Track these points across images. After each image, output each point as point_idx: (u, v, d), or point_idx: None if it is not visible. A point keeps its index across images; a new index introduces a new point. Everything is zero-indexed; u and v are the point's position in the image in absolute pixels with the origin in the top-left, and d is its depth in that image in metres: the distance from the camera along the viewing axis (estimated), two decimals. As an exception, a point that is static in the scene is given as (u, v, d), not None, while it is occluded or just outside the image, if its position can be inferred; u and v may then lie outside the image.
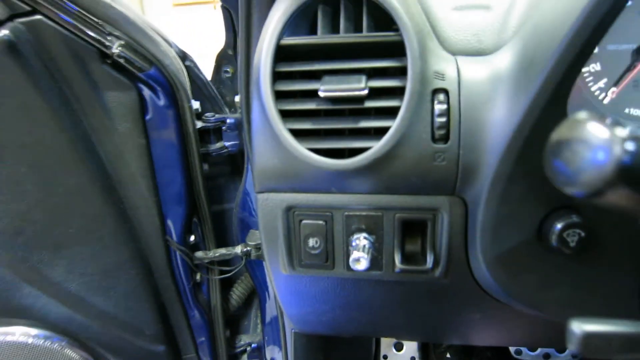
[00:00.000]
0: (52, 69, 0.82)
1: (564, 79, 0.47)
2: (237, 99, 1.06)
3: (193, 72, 1.02)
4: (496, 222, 0.54)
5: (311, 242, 0.62)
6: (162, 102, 0.93)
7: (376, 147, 0.53)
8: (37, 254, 0.91)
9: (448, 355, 1.33)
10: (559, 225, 0.52)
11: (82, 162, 0.88)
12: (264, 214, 0.62)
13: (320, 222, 0.61)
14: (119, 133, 0.91)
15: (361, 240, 0.59)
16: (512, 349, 1.26)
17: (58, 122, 0.84)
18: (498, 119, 0.52)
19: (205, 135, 1.09)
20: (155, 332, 1.06)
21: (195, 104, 1.02)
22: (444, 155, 0.54)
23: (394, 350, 1.39)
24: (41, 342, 0.97)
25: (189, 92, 0.97)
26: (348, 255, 0.62)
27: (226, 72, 1.09)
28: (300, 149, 0.55)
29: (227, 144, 1.10)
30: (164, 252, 1.03)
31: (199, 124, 1.05)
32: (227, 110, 1.11)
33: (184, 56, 1.00)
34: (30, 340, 0.97)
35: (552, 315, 0.59)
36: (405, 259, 0.62)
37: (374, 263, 0.61)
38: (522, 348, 1.26)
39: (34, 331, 0.97)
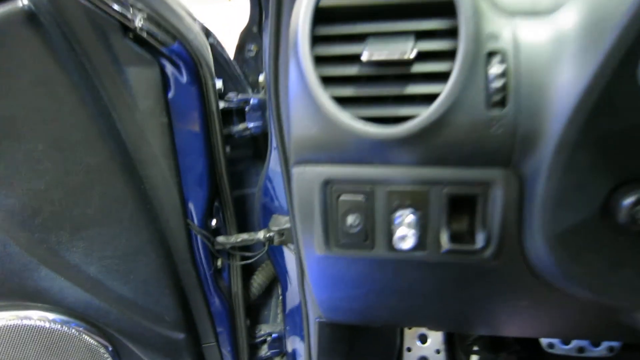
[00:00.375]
0: (72, 41, 0.79)
1: (638, 40, 0.43)
2: (261, 78, 1.02)
3: (216, 49, 0.98)
4: (558, 197, 0.49)
5: (350, 219, 0.58)
6: (184, 79, 0.89)
7: (426, 113, 0.49)
8: (55, 235, 0.88)
9: (475, 348, 1.28)
10: (628, 200, 0.47)
11: (102, 140, 0.84)
12: (299, 188, 0.58)
13: (360, 197, 0.57)
14: (140, 110, 0.87)
15: (406, 216, 0.55)
16: (543, 342, 1.21)
17: (78, 98, 0.80)
18: (562, 82, 0.47)
19: (228, 116, 1.05)
20: (175, 319, 1.03)
21: (218, 83, 0.98)
22: (500, 122, 0.49)
23: (418, 342, 1.35)
24: (58, 327, 0.94)
25: (213, 69, 0.93)
26: (389, 234, 0.58)
27: (250, 50, 1.05)
28: (342, 116, 0.51)
29: (250, 125, 1.05)
30: (185, 236, 1.00)
31: (222, 104, 1.01)
32: (250, 90, 1.07)
33: (207, 33, 0.96)
34: (47, 325, 0.94)
35: (617, 300, 0.55)
36: (452, 239, 0.57)
37: (419, 242, 0.57)
38: (554, 341, 1.21)
39: (51, 315, 0.94)
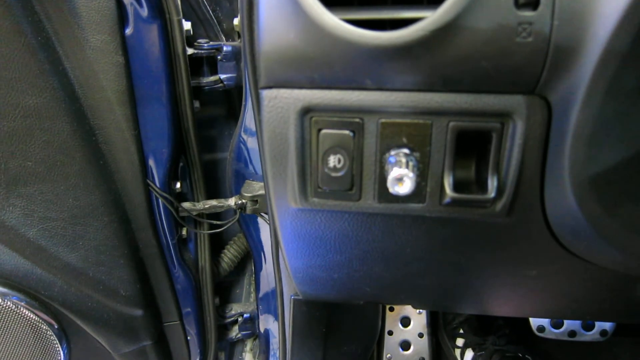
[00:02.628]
0: (6, -46, 0.65)
1: None
2: (236, 21, 0.90)
3: (184, -16, 0.85)
4: (596, 128, 0.39)
5: (332, 160, 0.46)
6: (145, 12, 0.77)
7: (437, 13, 0.38)
8: (-12, 191, 0.75)
9: (461, 331, 1.18)
10: None
11: (44, 78, 0.71)
12: (271, 118, 0.46)
13: (347, 131, 0.45)
14: (91, 46, 0.75)
15: (401, 156, 0.44)
16: (534, 326, 1.13)
17: (14, 24, 0.67)
18: (612, -24, 0.37)
19: (197, 65, 0.92)
20: (131, 293, 0.90)
21: (187, 25, 0.86)
22: (530, 27, 0.38)
23: (400, 325, 1.25)
24: (-7, 299, 0.81)
25: (179, 3, 0.80)
26: (381, 180, 0.46)
27: (224, -11, 0.92)
28: (328, 17, 0.39)
29: (222, 76, 0.93)
30: (144, 199, 0.87)
31: (190, 51, 0.88)
32: (223, 38, 0.95)
33: (173, -39, 0.83)
34: (-21, 296, 0.81)
35: None
36: (456, 187, 0.46)
37: (416, 191, 0.46)
38: (545, 324, 1.13)
39: (-16, 285, 0.81)
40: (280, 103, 0.45)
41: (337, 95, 0.44)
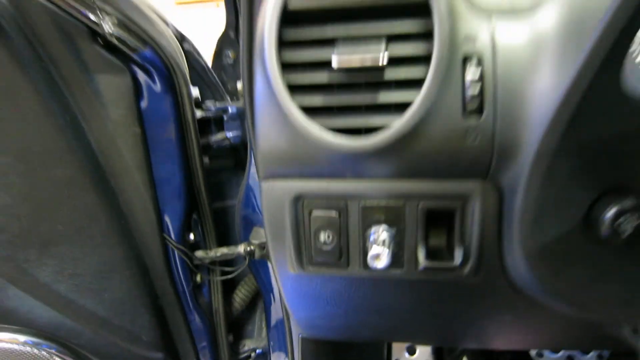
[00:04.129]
0: (38, 48, 0.75)
1: (620, 39, 0.40)
2: (239, 85, 0.99)
3: (192, 56, 0.94)
4: (538, 209, 0.46)
5: (323, 236, 0.54)
6: (158, 87, 0.86)
7: (399, 123, 0.46)
8: (23, 253, 0.84)
9: (464, 358, 1.24)
10: (611, 211, 0.44)
11: (71, 152, 0.80)
12: (269, 204, 0.54)
13: (333, 213, 0.53)
14: (111, 120, 0.84)
15: (380, 233, 0.52)
16: (532, 352, 1.18)
17: (45, 107, 0.77)
18: (541, 88, 0.45)
19: (206, 125, 1.01)
20: (152, 338, 0.98)
21: (195, 91, 0.95)
22: (477, 131, 0.46)
23: (406, 354, 1.31)
24: (29, 349, 0.90)
25: (188, 76, 0.89)
26: (365, 252, 0.54)
27: (227, 57, 1.02)
28: (311, 127, 0.48)
29: (229, 134, 1.02)
30: (162, 252, 0.96)
31: (199, 113, 0.97)
32: (228, 99, 1.04)
33: (182, 38, 0.93)
34: (17, 347, 0.89)
35: (599, 315, 0.52)
36: (430, 255, 0.54)
37: (395, 260, 0.54)
38: (544, 350, 1.18)
39: (21, 337, 0.90)
40: (277, 192, 0.53)
41: (323, 185, 0.52)
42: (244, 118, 1.02)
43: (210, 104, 1.00)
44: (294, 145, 0.50)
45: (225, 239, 1.13)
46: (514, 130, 0.46)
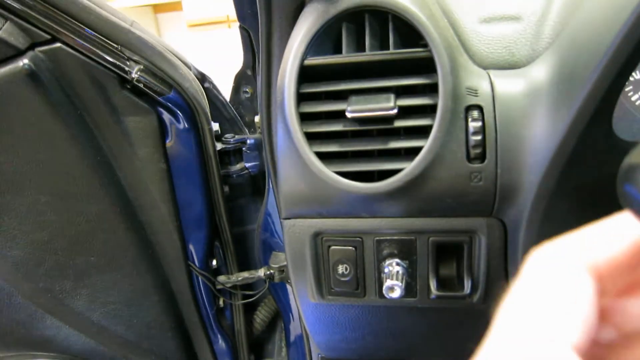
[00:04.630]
0: (72, 96, 0.81)
1: (609, 92, 0.44)
2: (257, 119, 1.05)
3: (212, 93, 1.00)
4: (539, 243, 0.51)
5: (341, 268, 0.59)
6: (182, 125, 0.92)
7: (408, 168, 0.51)
8: (59, 284, 0.89)
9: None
10: None
11: (103, 189, 0.86)
12: (291, 240, 0.60)
13: (350, 247, 0.58)
14: (139, 158, 0.90)
15: (394, 266, 0.56)
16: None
17: (79, 150, 0.83)
18: (538, 135, 0.49)
19: (225, 156, 1.07)
20: (179, 360, 1.04)
21: (215, 126, 1.01)
22: (480, 175, 0.51)
23: (422, 372, 1.34)
24: (64, 374, 0.95)
25: (209, 114, 0.95)
26: (380, 282, 0.59)
27: (245, 92, 1.08)
28: (328, 172, 0.53)
29: (247, 165, 1.08)
30: (187, 278, 1.01)
31: (219, 146, 1.03)
32: (246, 130, 1.10)
33: (202, 78, 0.99)
34: (53, 373, 0.95)
35: None
36: (441, 284, 0.58)
37: (408, 289, 0.58)
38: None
39: (57, 363, 0.95)
40: (298, 230, 0.59)
41: (340, 222, 0.57)
42: (261, 149, 1.08)
43: (229, 136, 1.06)
44: (312, 188, 0.55)
45: (245, 263, 1.18)
46: (514, 173, 0.50)
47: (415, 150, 0.51)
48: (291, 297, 1.17)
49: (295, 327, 1.20)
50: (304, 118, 0.55)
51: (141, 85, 0.85)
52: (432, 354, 0.81)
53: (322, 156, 0.53)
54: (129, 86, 0.86)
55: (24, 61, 0.76)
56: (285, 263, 1.05)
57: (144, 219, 0.93)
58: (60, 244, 0.87)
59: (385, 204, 0.54)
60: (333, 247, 0.59)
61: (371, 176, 0.53)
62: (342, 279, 0.60)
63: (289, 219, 0.59)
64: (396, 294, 0.54)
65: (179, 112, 0.90)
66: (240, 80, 1.07)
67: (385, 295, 0.55)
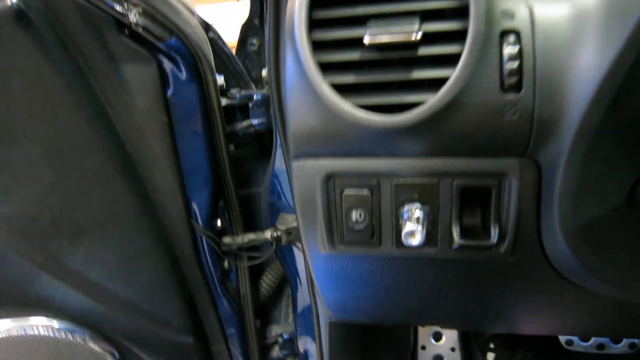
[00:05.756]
0: (65, 40, 0.76)
1: None
2: (264, 72, 0.99)
3: (217, 44, 0.95)
4: (579, 187, 0.45)
5: (354, 215, 0.54)
6: (184, 75, 0.86)
7: (435, 98, 0.45)
8: (56, 241, 0.85)
9: (491, 346, 1.24)
10: None
11: (100, 141, 0.81)
12: (300, 184, 0.54)
13: (365, 192, 0.53)
14: (138, 110, 0.85)
15: (414, 211, 0.51)
16: (562, 339, 1.17)
17: (73, 98, 0.78)
18: (583, 64, 0.43)
19: (231, 113, 1.01)
20: (182, 323, 1.00)
21: (220, 79, 0.95)
22: (515, 107, 0.45)
23: (432, 340, 1.31)
24: (63, 336, 0.92)
25: (213, 64, 0.90)
26: (397, 230, 0.54)
27: (252, 44, 1.02)
28: (343, 105, 0.47)
29: (254, 121, 1.02)
30: (190, 238, 0.97)
31: (224, 101, 0.98)
32: (253, 86, 1.04)
33: (206, 27, 0.93)
34: (51, 333, 0.92)
35: None
36: (464, 233, 0.53)
37: (428, 238, 0.53)
38: (573, 338, 1.16)
39: (55, 324, 0.92)
40: (308, 171, 0.53)
41: (355, 163, 0.52)
42: (269, 105, 1.02)
43: (235, 91, 1.00)
44: (325, 123, 0.49)
45: (251, 225, 1.14)
46: (553, 107, 0.45)
47: (441, 82, 0.46)
48: (298, 261, 1.13)
49: (302, 293, 1.17)
50: (317, 46, 0.49)
51: (140, 30, 0.79)
52: (447, 316, 0.76)
53: (336, 88, 0.48)
54: (127, 31, 0.81)
55: (12, 0, 0.71)
56: (294, 225, 1.00)
57: (145, 174, 0.89)
58: (56, 199, 0.83)
59: (406, 140, 0.48)
60: (346, 191, 0.53)
61: (390, 111, 0.47)
62: (356, 226, 0.54)
63: (298, 159, 0.53)
64: (416, 240, 0.49)
65: (180, 60, 0.85)
66: (247, 31, 1.01)
67: (404, 242, 0.50)
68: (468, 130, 0.47)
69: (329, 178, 0.53)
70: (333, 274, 0.64)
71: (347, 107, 0.47)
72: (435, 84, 0.46)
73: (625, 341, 1.15)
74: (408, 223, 0.50)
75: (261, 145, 1.13)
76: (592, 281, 0.52)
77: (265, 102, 1.02)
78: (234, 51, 1.03)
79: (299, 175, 0.54)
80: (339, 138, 0.50)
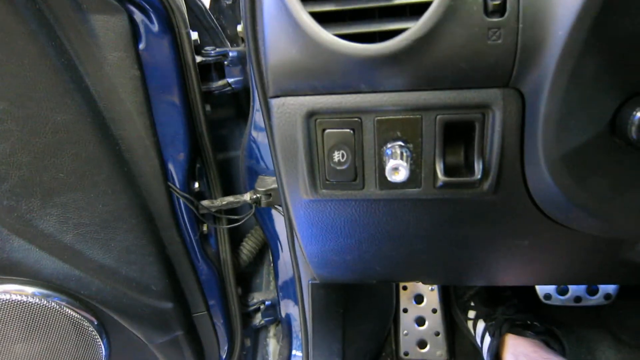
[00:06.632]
0: (28, -14, 0.72)
1: None
2: (239, 28, 0.95)
3: (189, -2, 0.91)
4: (562, 112, 0.45)
5: (337, 155, 0.53)
6: (156, 27, 0.83)
7: (417, 24, 0.44)
8: (26, 203, 0.82)
9: (472, 304, 1.25)
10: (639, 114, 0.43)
11: (69, 96, 0.78)
12: (280, 123, 0.53)
13: (347, 130, 0.52)
14: (109, 63, 0.81)
15: (397, 148, 0.50)
16: (540, 294, 1.19)
17: (39, 49, 0.74)
18: (567, -18, 0.42)
19: (206, 71, 0.98)
20: (162, 288, 0.98)
21: (194, 35, 0.92)
22: (499, 31, 0.44)
23: (414, 303, 1.32)
24: (37, 301, 0.89)
25: (186, 17, 0.86)
26: (380, 170, 0.53)
27: (226, -1, 0.98)
28: (324, 34, 0.45)
29: (230, 80, 0.99)
30: (167, 200, 0.94)
31: (198, 59, 0.95)
32: (228, 44, 1.01)
33: (178, -22, 0.89)
34: (25, 299, 0.89)
35: (622, 228, 0.51)
36: (448, 172, 0.52)
37: (412, 178, 0.52)
38: (551, 292, 1.19)
39: (29, 289, 0.89)
40: (288, 109, 0.51)
41: (337, 99, 0.50)
42: (245, 63, 1.00)
43: (209, 49, 0.97)
44: (305, 56, 0.47)
45: (230, 190, 1.12)
46: (538, 30, 0.44)
47: (424, 7, 0.44)
48: (278, 225, 1.11)
49: (283, 259, 1.16)
50: None
51: (108, -22, 0.76)
52: (430, 268, 0.76)
53: (316, 17, 0.46)
54: (94, -22, 0.77)
55: (-31, -59, 0.66)
56: (272, 187, 0.99)
57: (118, 132, 0.85)
58: (25, 158, 0.79)
59: (388, 71, 0.47)
60: (328, 131, 0.52)
61: (371, 40, 0.46)
62: (339, 167, 0.53)
63: (278, 97, 0.52)
64: (401, 175, 0.48)
65: (152, 11, 0.81)
66: (220, -15, 0.98)
67: (389, 178, 0.49)
68: (451, 58, 0.45)
69: (311, 116, 0.52)
70: (315, 224, 0.63)
71: (327, 36, 0.45)
72: (417, 11, 0.45)
73: (600, 292, 1.18)
74: (392, 160, 0.48)
75: (238, 106, 1.10)
76: (574, 214, 0.51)
77: (241, 59, 0.99)
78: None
79: (279, 114, 0.52)
80: (320, 71, 0.48)
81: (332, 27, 0.46)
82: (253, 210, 1.03)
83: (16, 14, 0.71)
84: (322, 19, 0.46)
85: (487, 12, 0.44)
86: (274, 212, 1.08)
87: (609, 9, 0.40)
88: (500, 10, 0.44)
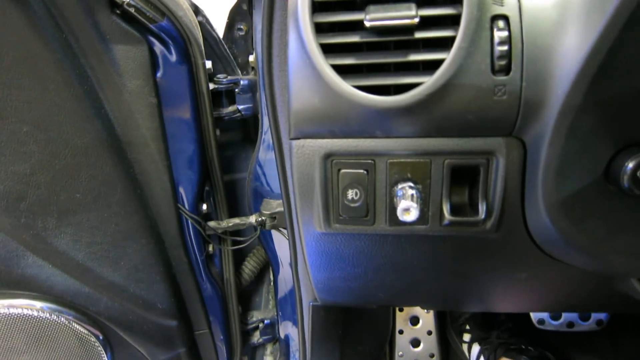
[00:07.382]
0: (57, 17, 0.75)
1: None
2: (251, 58, 1.00)
3: (205, 28, 0.95)
4: (561, 163, 0.49)
5: (350, 194, 0.57)
6: (174, 57, 0.87)
7: (431, 80, 0.48)
8: (42, 221, 0.85)
9: (467, 327, 1.28)
10: (631, 164, 0.47)
11: (89, 121, 0.81)
12: (299, 162, 0.56)
13: (361, 170, 0.56)
14: (128, 90, 0.85)
15: (407, 189, 0.54)
16: (534, 319, 1.23)
17: (64, 76, 0.77)
18: (567, 46, 0.47)
19: (217, 97, 1.03)
20: (167, 306, 1.01)
21: (207, 64, 0.96)
22: (505, 88, 0.48)
23: (409, 324, 1.35)
24: (47, 316, 0.92)
25: (202, 48, 0.90)
26: (390, 208, 0.57)
27: (239, 29, 1.03)
28: (344, 85, 0.50)
29: (240, 107, 1.03)
30: (176, 221, 0.98)
31: (211, 86, 0.99)
32: (239, 72, 1.05)
33: (196, 10, 0.94)
34: (35, 313, 0.91)
35: (615, 267, 0.55)
36: (453, 211, 0.56)
37: (420, 216, 0.56)
38: (544, 317, 1.23)
39: (39, 304, 0.91)
40: (307, 150, 0.55)
41: (353, 143, 0.54)
42: (255, 91, 1.04)
43: (222, 76, 1.01)
44: (326, 103, 0.51)
45: (235, 211, 1.15)
46: (540, 87, 0.48)
47: (436, 64, 0.49)
48: (280, 247, 1.15)
49: (284, 279, 1.19)
50: (319, 29, 0.51)
51: (132, 11, 0.80)
52: (431, 295, 0.79)
53: (337, 69, 0.50)
54: (118, 11, 0.81)
55: (3, -25, 0.70)
56: (277, 210, 1.02)
57: (133, 156, 0.89)
58: (44, 178, 0.82)
59: (402, 120, 0.51)
60: (343, 171, 0.56)
61: (387, 92, 0.50)
62: (352, 204, 0.57)
63: (298, 139, 0.56)
64: (412, 216, 0.52)
65: (171, 43, 0.85)
66: (235, 16, 1.02)
67: (400, 218, 0.53)
68: (460, 110, 0.50)
69: (328, 157, 0.56)
70: (326, 253, 0.67)
71: (347, 87, 0.49)
72: (430, 67, 0.49)
73: (592, 319, 1.22)
74: (403, 200, 0.52)
75: (245, 131, 1.14)
76: (570, 253, 0.56)
77: (251, 87, 1.03)
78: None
79: (299, 155, 0.56)
80: (338, 118, 0.52)
81: (351, 78, 0.50)
82: (258, 232, 1.07)
83: (44, 43, 0.75)
84: (342, 70, 0.50)
85: (494, 71, 0.48)
86: (275, 234, 1.12)
87: (604, 72, 0.45)
88: (506, 69, 0.48)
